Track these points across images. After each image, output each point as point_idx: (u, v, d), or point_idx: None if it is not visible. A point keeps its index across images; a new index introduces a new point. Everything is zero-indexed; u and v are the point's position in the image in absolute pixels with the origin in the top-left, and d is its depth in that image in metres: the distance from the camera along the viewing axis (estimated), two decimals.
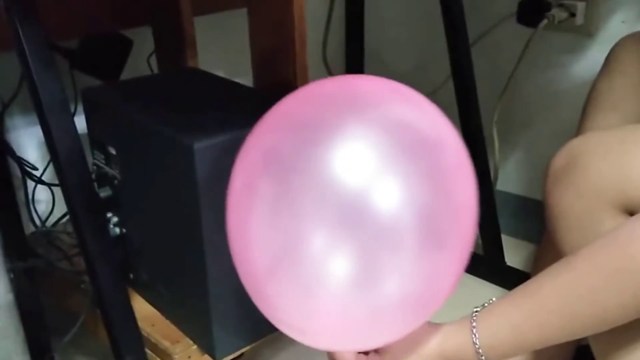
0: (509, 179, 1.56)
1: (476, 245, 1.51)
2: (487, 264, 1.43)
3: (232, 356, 0.94)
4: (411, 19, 1.63)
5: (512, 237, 1.54)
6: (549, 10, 1.33)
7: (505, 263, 1.43)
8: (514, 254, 1.46)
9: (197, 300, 0.89)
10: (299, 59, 1.01)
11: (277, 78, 1.04)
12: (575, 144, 0.83)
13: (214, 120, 0.87)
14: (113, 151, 0.96)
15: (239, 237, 0.68)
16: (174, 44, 1.17)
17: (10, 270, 1.14)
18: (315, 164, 0.61)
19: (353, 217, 0.60)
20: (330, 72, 1.58)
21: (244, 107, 0.92)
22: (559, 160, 0.84)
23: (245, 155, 0.69)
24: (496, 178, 1.49)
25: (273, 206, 0.63)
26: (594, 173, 0.79)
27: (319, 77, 1.66)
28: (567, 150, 0.84)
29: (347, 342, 0.72)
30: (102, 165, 0.99)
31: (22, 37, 0.80)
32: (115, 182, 0.97)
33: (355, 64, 1.57)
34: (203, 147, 0.80)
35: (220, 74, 1.08)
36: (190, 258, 0.88)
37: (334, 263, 0.61)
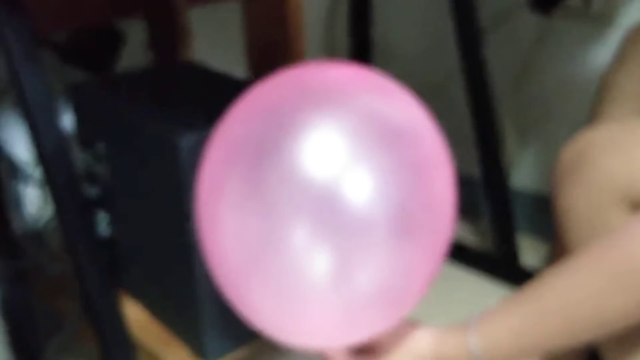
0: (525, 175, 1.51)
1: (489, 244, 1.49)
2: (500, 263, 1.39)
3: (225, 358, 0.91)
4: (420, 8, 1.59)
5: (528, 236, 1.49)
6: None
7: (519, 263, 1.39)
8: (530, 253, 1.42)
9: (186, 301, 0.87)
10: (296, 52, 0.97)
11: (272, 70, 1.01)
12: (585, 137, 0.81)
13: (202, 115, 0.84)
14: (102, 148, 0.93)
15: (210, 237, 0.66)
16: (168, 35, 1.14)
17: None
18: (284, 153, 0.59)
19: (324, 209, 0.58)
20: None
21: (233, 100, 0.90)
22: (568, 154, 0.82)
23: (211, 147, 0.67)
24: (511, 174, 1.45)
25: (241, 199, 0.61)
26: (603, 168, 0.77)
27: None
28: (576, 144, 0.81)
29: (326, 339, 0.70)
30: (91, 163, 0.96)
31: (6, 33, 0.79)
32: (105, 180, 0.95)
33: (361, 52, 1.52)
34: (188, 143, 0.78)
35: (216, 65, 1.05)
36: (177, 258, 0.85)
37: (306, 256, 0.59)
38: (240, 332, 0.91)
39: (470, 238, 1.56)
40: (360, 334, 0.69)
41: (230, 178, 0.62)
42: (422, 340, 0.74)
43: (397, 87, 0.67)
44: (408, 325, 0.74)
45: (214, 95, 0.93)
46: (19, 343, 1.15)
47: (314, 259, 0.59)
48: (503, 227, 1.37)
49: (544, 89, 1.43)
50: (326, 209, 0.58)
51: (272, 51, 1.01)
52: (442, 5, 1.33)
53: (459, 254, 1.49)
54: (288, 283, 0.61)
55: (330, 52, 1.58)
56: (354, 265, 0.60)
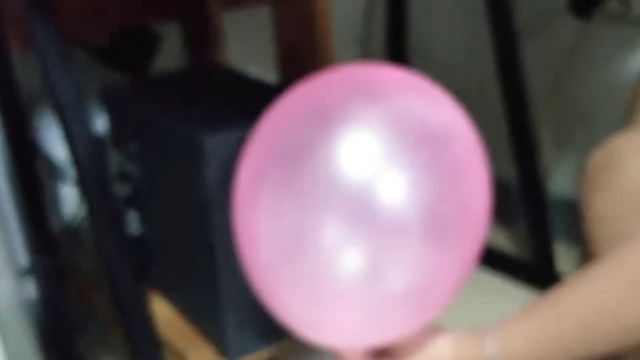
0: (562, 181, 1.48)
1: (525, 251, 1.46)
2: (535, 270, 1.36)
3: (247, 357, 0.92)
4: (458, 10, 1.58)
5: (564, 243, 1.45)
6: (604, 1, 1.26)
7: (554, 270, 1.36)
8: (566, 260, 1.39)
9: (210, 299, 0.88)
10: (324, 54, 0.98)
11: (302, 73, 1.02)
12: (611, 143, 0.79)
13: (228, 117, 0.86)
14: (134, 148, 0.96)
15: (245, 232, 0.67)
16: (203, 39, 1.17)
17: (35, 268, 1.16)
18: (321, 155, 0.60)
19: (358, 209, 0.59)
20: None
21: (261, 103, 0.91)
22: (595, 160, 0.80)
23: (251, 147, 0.68)
24: (547, 179, 1.42)
25: (278, 199, 0.62)
26: (629, 174, 0.75)
27: None
28: (604, 149, 0.80)
29: (351, 338, 0.70)
30: (124, 162, 0.99)
31: (38, 38, 0.82)
32: (136, 179, 0.97)
33: (398, 57, 1.51)
34: (212, 142, 0.79)
35: (249, 68, 1.06)
36: (202, 257, 0.87)
37: (339, 256, 0.60)
38: (263, 332, 0.92)
39: (507, 244, 1.54)
40: (386, 335, 0.70)
41: (268, 177, 0.63)
42: (440, 347, 0.73)
43: (436, 89, 0.67)
44: (429, 331, 0.73)
45: (242, 98, 0.94)
46: (54, 337, 1.19)
47: (345, 258, 0.60)
48: (539, 233, 1.35)
49: (582, 94, 1.40)
50: (359, 209, 0.58)
51: (300, 54, 1.02)
52: (480, 9, 1.32)
53: (495, 260, 1.47)
54: (318, 281, 0.62)
55: (367, 57, 1.58)
56: (384, 266, 0.61)
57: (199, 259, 0.88)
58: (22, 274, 1.23)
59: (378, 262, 0.60)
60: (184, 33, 1.22)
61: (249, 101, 0.94)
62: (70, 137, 0.85)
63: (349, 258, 0.60)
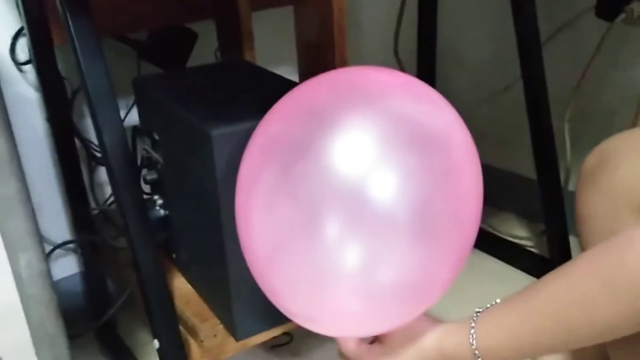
0: None
1: (543, 248, 1.47)
2: (554, 267, 1.36)
3: (255, 338, 0.98)
4: (487, 12, 1.60)
5: None
6: (628, 3, 1.25)
7: None
8: None
9: (220, 281, 0.93)
10: (339, 52, 1.02)
11: (319, 71, 1.06)
12: (609, 142, 0.80)
13: (241, 110, 0.90)
14: (157, 137, 1.02)
15: (243, 224, 0.71)
16: (234, 37, 1.22)
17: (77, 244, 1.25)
18: (317, 151, 0.62)
19: (349, 206, 0.61)
20: (401, 66, 1.58)
21: (276, 99, 0.95)
22: (591, 159, 0.81)
23: (252, 142, 0.71)
24: (568, 179, 1.43)
25: (273, 193, 0.65)
26: (623, 174, 0.75)
27: None
28: (600, 149, 0.81)
29: (347, 329, 0.73)
30: (149, 150, 1.05)
31: (72, 32, 0.87)
32: (159, 166, 1.04)
33: (427, 58, 1.55)
34: (221, 134, 0.83)
35: (275, 66, 1.11)
36: (212, 240, 0.91)
37: (331, 251, 0.62)
38: (271, 313, 0.96)
39: (527, 240, 1.56)
40: (381, 326, 0.73)
41: (266, 170, 0.66)
42: (429, 335, 0.76)
43: (433, 93, 0.69)
44: (421, 319, 0.76)
45: (259, 93, 0.98)
46: (93, 305, 1.27)
47: (337, 253, 0.62)
48: (558, 230, 1.36)
49: (604, 94, 1.41)
50: (352, 205, 0.61)
51: (319, 52, 1.06)
52: (508, 10, 1.34)
53: (515, 255, 1.49)
54: (312, 273, 0.64)
55: (397, 59, 1.62)
56: (376, 259, 0.63)
57: (211, 243, 0.93)
58: (66, 250, 1.33)
59: (370, 256, 0.63)
60: (217, 31, 1.28)
61: (266, 96, 0.98)
62: (98, 126, 0.91)
63: (342, 252, 0.62)
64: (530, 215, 1.58)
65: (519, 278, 1.42)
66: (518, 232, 1.57)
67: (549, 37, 1.33)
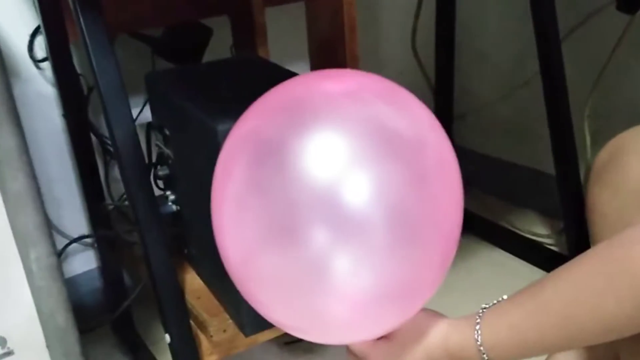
0: None
1: (563, 245, 1.45)
2: None
3: (265, 333, 0.98)
4: (506, 5, 1.57)
5: None
6: None
7: None
8: None
9: (227, 275, 0.93)
10: (349, 48, 1.01)
11: (331, 66, 1.05)
12: (620, 138, 0.79)
13: (249, 105, 0.90)
14: (168, 132, 1.02)
15: (217, 226, 0.68)
16: (248, 32, 1.22)
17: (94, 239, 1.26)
18: (289, 151, 0.60)
19: (323, 208, 0.59)
20: (419, 61, 1.56)
21: None
22: (603, 155, 0.80)
23: (230, 135, 0.70)
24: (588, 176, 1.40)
25: (245, 191, 0.62)
26: (633, 170, 0.74)
27: (407, 65, 1.65)
28: (612, 144, 0.80)
29: (339, 337, 0.72)
30: (161, 145, 1.06)
31: (83, 28, 0.88)
32: (170, 161, 1.04)
33: (445, 52, 1.54)
34: (227, 129, 0.82)
35: (288, 62, 1.11)
36: None
37: (306, 255, 0.60)
38: None
39: (546, 238, 1.54)
40: (374, 331, 0.71)
41: (239, 167, 0.63)
42: (435, 331, 0.75)
43: (411, 96, 0.68)
44: (426, 315, 0.75)
45: (269, 88, 0.98)
46: (111, 299, 1.29)
47: (314, 257, 0.60)
48: (577, 227, 1.34)
49: (625, 89, 1.38)
50: (326, 207, 0.58)
51: (331, 47, 1.05)
52: (528, 4, 1.32)
53: (535, 253, 1.47)
54: (290, 279, 0.62)
55: (416, 56, 1.60)
56: (356, 263, 0.60)
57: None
58: (84, 245, 1.35)
59: (350, 260, 0.60)
60: (232, 27, 1.29)
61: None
62: (110, 122, 0.92)
63: (319, 257, 0.59)
64: (550, 211, 1.55)
65: (537, 276, 1.39)
66: (537, 229, 1.55)
67: (568, 31, 1.30)
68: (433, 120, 0.68)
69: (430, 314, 0.76)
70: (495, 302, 0.74)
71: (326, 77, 0.69)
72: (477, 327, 0.72)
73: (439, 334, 0.75)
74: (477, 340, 0.71)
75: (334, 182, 0.59)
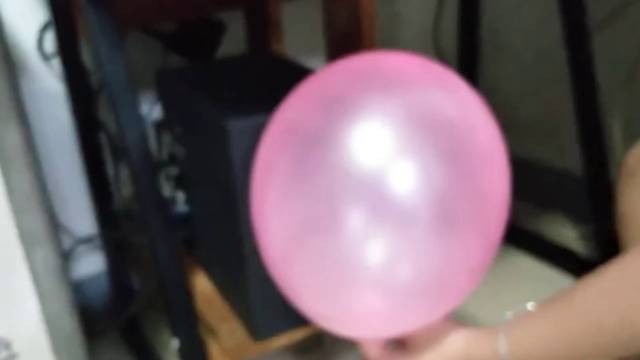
0: None
1: (590, 251, 1.40)
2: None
3: (277, 339, 0.95)
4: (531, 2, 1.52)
5: None
6: None
7: None
8: None
9: (240, 280, 0.91)
10: (367, 42, 0.98)
11: None
12: None
13: (260, 102, 0.87)
14: (178, 130, 1.00)
15: (258, 217, 0.68)
16: (262, 27, 1.19)
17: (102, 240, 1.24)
18: (334, 140, 0.60)
19: (368, 197, 0.59)
20: (441, 55, 1.52)
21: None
22: (633, 156, 0.78)
23: (268, 130, 0.69)
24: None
25: (289, 182, 0.62)
26: None
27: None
28: None
29: (368, 329, 0.70)
30: (172, 143, 1.03)
31: (92, 24, 0.86)
32: (182, 160, 1.01)
33: (468, 46, 1.48)
34: (238, 127, 0.82)
35: (304, 57, 1.08)
36: (232, 239, 0.89)
37: (349, 243, 0.60)
38: (294, 313, 0.94)
39: (574, 242, 1.49)
40: (403, 326, 0.69)
41: (282, 161, 0.64)
42: (455, 341, 0.72)
43: (457, 80, 0.67)
44: (446, 324, 0.73)
45: (281, 85, 0.95)
46: (119, 302, 1.26)
47: (357, 247, 0.60)
48: (607, 232, 1.29)
49: None
50: (370, 197, 0.58)
51: (347, 42, 1.02)
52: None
53: (561, 258, 1.43)
54: (330, 269, 0.62)
55: (437, 48, 1.56)
56: (397, 254, 0.60)
57: (230, 240, 0.91)
58: (92, 246, 1.33)
59: (390, 250, 0.60)
60: (246, 22, 1.26)
61: (288, 88, 0.95)
62: (119, 120, 0.90)
63: (361, 247, 0.59)
64: (577, 214, 1.51)
65: (563, 281, 1.35)
66: (564, 233, 1.50)
67: (598, 24, 1.25)
68: (480, 104, 0.66)
69: (451, 323, 0.73)
70: (519, 311, 0.71)
71: (367, 63, 0.67)
72: (502, 338, 0.69)
73: (460, 344, 0.72)
74: (502, 352, 0.68)
75: (379, 171, 0.59)
